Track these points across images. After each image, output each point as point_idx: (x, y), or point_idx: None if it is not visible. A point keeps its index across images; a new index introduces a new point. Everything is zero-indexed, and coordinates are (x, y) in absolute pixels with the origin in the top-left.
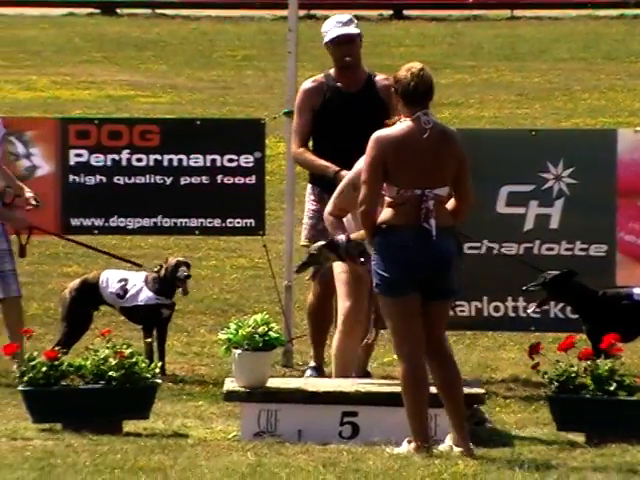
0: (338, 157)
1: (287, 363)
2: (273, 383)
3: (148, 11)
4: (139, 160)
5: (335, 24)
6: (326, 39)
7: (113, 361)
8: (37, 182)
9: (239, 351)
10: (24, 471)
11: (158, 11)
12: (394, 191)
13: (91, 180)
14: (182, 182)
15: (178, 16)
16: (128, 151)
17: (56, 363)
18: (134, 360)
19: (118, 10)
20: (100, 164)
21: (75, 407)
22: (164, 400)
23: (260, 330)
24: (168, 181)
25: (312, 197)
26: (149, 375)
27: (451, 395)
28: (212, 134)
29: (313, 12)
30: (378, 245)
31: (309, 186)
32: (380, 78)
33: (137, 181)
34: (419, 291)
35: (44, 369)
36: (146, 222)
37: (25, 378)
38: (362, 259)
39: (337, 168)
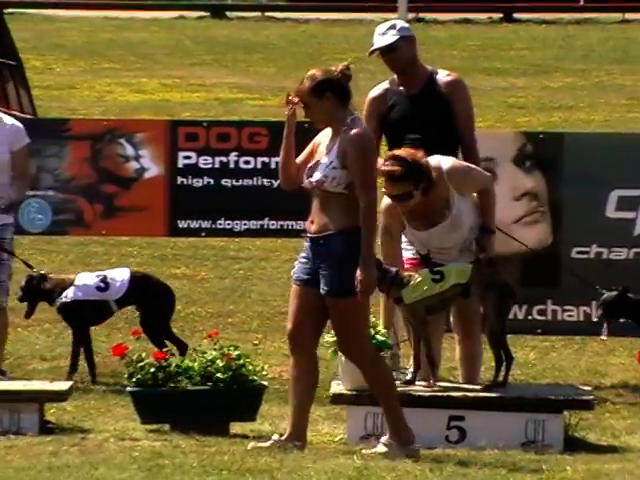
0: None
1: (394, 366)
2: None
3: (257, 14)
4: (247, 163)
5: (376, 36)
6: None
7: (221, 363)
8: (146, 184)
9: None
10: (132, 471)
11: (267, 14)
12: None
13: (199, 182)
14: None
15: (287, 19)
16: (236, 153)
17: (164, 364)
18: (242, 362)
19: (228, 13)
20: (208, 166)
21: (183, 408)
22: (271, 402)
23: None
24: (275, 184)
25: None
26: (256, 377)
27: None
28: None
29: (422, 15)
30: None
31: None
32: (442, 75)
33: (245, 184)
34: None
35: (152, 370)
36: (253, 224)
37: (133, 379)
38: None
39: None
